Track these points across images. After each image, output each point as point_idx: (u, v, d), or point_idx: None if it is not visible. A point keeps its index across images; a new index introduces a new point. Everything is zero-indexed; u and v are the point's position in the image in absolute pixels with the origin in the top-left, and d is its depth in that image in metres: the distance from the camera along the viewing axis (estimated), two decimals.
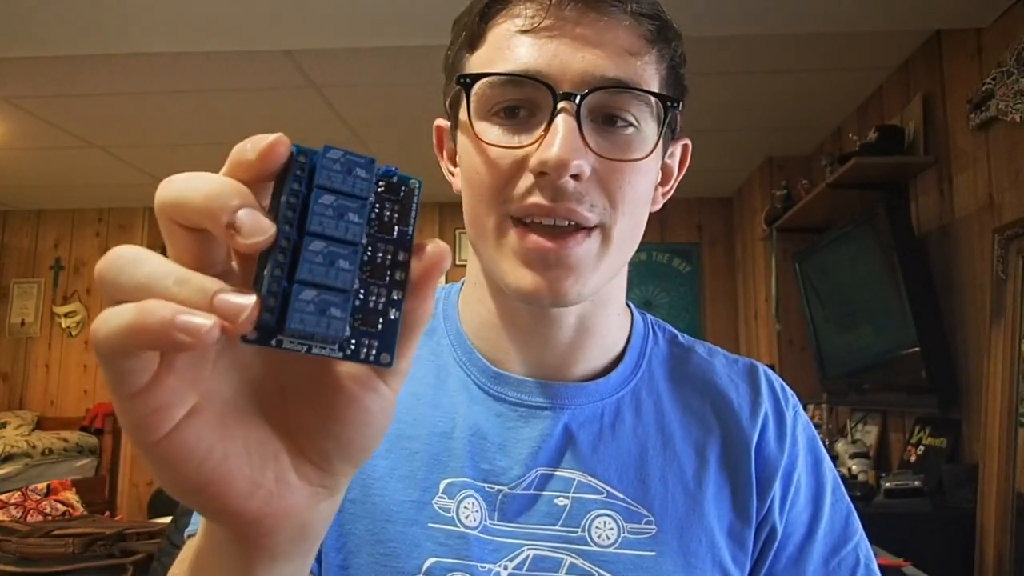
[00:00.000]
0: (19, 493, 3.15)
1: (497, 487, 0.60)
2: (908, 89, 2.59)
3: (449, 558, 0.58)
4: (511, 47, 0.56)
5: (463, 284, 0.70)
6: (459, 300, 0.69)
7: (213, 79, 2.84)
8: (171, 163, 3.89)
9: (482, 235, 0.59)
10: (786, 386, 0.70)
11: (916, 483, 2.10)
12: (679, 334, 0.72)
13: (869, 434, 2.74)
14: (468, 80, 0.56)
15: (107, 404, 4.51)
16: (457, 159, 0.63)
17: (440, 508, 0.60)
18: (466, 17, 0.61)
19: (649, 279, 4.45)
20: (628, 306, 0.71)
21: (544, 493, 0.60)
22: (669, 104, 0.58)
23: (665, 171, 0.65)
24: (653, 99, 0.57)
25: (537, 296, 0.56)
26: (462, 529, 0.59)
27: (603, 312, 0.64)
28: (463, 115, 0.59)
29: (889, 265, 2.39)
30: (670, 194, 0.67)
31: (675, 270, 4.48)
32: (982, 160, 2.14)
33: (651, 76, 0.58)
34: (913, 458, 2.36)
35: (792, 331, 3.42)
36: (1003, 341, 1.96)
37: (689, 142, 0.68)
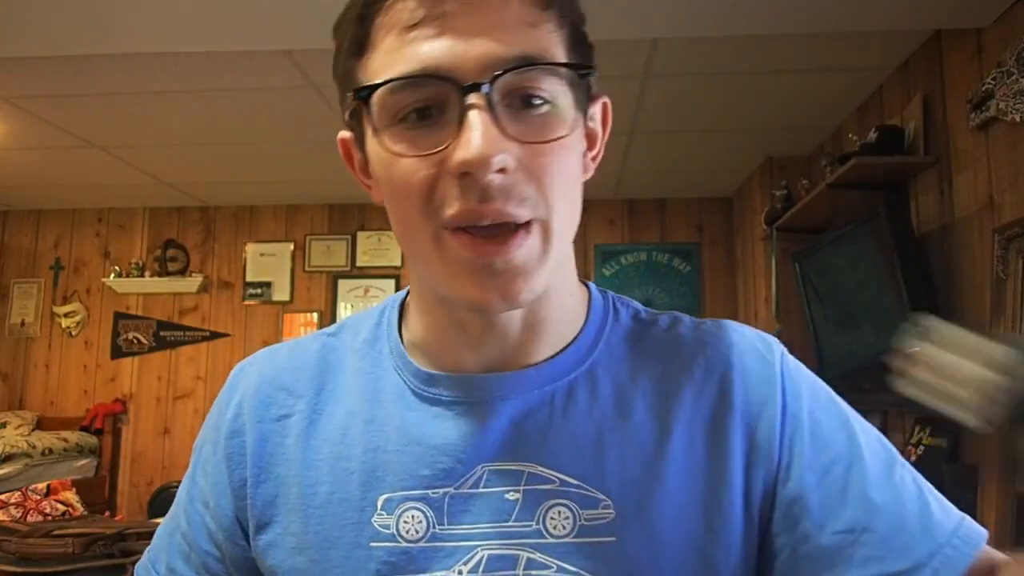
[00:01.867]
0: (19, 493, 3.15)
1: (442, 490, 0.58)
2: (908, 89, 2.59)
3: (395, 575, 0.57)
4: (402, 47, 0.52)
5: (408, 292, 0.67)
6: (405, 307, 0.67)
7: (213, 79, 2.84)
8: (171, 163, 3.89)
9: (420, 249, 0.55)
10: (765, 335, 0.65)
11: None
12: (643, 310, 0.68)
13: None
14: (365, 93, 0.53)
15: (107, 404, 4.51)
16: (372, 171, 0.59)
17: (380, 526, 0.58)
18: (344, 21, 0.57)
19: (649, 279, 4.45)
20: (585, 285, 0.67)
21: (494, 490, 0.58)
22: (582, 73, 0.54)
23: (590, 136, 0.61)
24: (564, 70, 0.53)
25: (488, 305, 0.54)
26: (404, 544, 0.57)
27: (554, 299, 0.61)
28: (368, 128, 0.56)
29: (889, 265, 2.39)
30: (599, 157, 0.62)
31: (675, 270, 4.48)
32: (982, 160, 2.14)
33: (555, 44, 0.54)
34: (913, 458, 2.36)
35: (792, 331, 3.42)
36: None
37: (608, 100, 0.62)
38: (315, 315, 4.57)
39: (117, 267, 4.63)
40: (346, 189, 4.38)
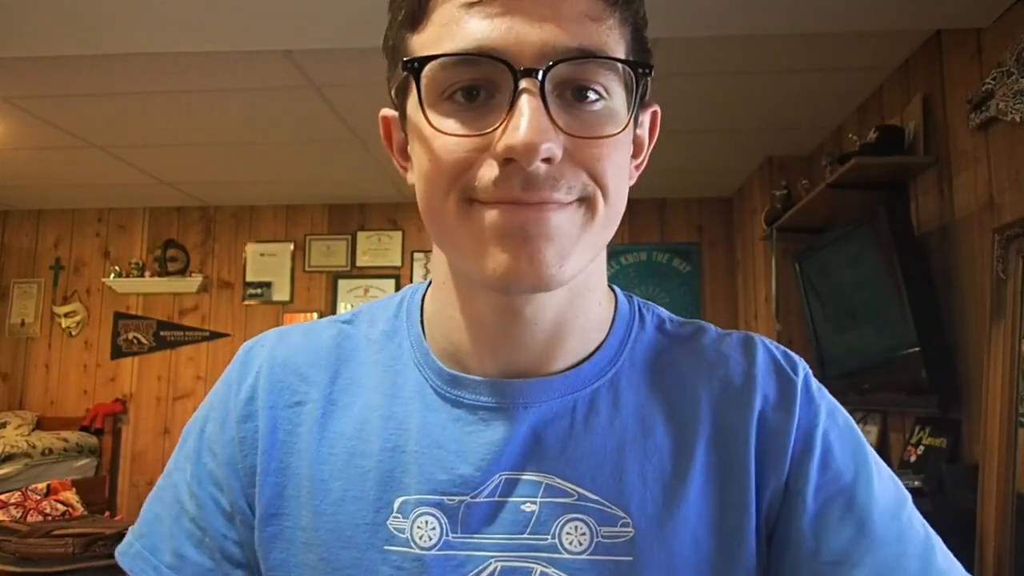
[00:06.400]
0: (19, 493, 3.15)
1: (459, 498, 0.56)
2: (908, 89, 2.59)
3: None
4: (459, 23, 0.50)
5: (430, 283, 0.65)
6: (425, 299, 0.65)
7: (213, 79, 2.84)
8: (171, 163, 3.89)
9: (442, 221, 0.53)
10: (791, 353, 0.63)
11: (916, 483, 2.10)
12: (668, 319, 0.66)
13: (869, 434, 2.74)
14: (416, 64, 0.51)
15: (107, 404, 4.51)
16: (410, 150, 0.58)
17: (395, 529, 0.57)
18: None
19: (649, 279, 4.45)
20: (611, 289, 0.65)
21: (509, 500, 0.56)
22: (640, 71, 0.52)
23: (636, 143, 0.60)
24: (621, 67, 0.52)
25: (515, 279, 0.50)
26: (417, 551, 0.56)
27: (583, 302, 0.59)
28: (412, 103, 0.53)
29: (889, 265, 2.39)
30: (643, 166, 0.62)
31: (675, 270, 4.48)
32: (982, 160, 2.14)
33: (616, 42, 0.52)
34: (913, 458, 2.36)
35: (792, 331, 3.42)
36: (1003, 341, 1.96)
37: (658, 109, 0.62)
38: (315, 315, 4.56)
39: (117, 267, 4.63)
40: (346, 189, 4.38)
